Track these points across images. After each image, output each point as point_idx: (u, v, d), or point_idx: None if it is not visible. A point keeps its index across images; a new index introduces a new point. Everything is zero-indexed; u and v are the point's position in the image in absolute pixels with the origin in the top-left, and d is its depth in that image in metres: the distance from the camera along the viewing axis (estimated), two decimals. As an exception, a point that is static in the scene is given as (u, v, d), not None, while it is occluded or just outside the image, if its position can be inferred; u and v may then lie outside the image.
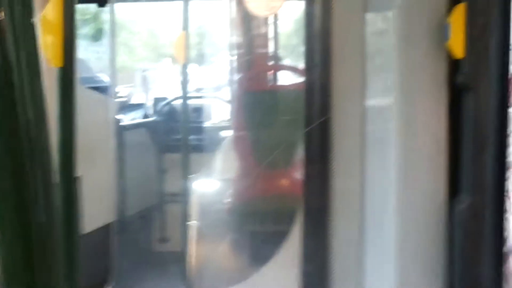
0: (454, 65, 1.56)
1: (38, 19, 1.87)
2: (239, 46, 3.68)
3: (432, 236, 1.65)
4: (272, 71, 3.79)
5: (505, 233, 1.50)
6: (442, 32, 1.58)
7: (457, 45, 1.51)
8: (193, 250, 3.09)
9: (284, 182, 3.05)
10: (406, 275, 1.68)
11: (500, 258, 1.55)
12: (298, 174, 2.83)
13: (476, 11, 1.49)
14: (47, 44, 1.88)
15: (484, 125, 1.49)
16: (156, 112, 5.18)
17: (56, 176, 0.92)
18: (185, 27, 3.62)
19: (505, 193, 1.51)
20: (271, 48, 3.71)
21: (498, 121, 1.49)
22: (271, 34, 3.67)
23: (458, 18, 1.51)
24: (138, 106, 5.63)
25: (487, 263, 1.54)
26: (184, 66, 3.86)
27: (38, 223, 0.81)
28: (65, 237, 1.86)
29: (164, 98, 5.28)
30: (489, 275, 1.54)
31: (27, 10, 0.84)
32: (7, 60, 0.79)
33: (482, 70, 1.48)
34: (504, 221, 1.52)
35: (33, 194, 0.82)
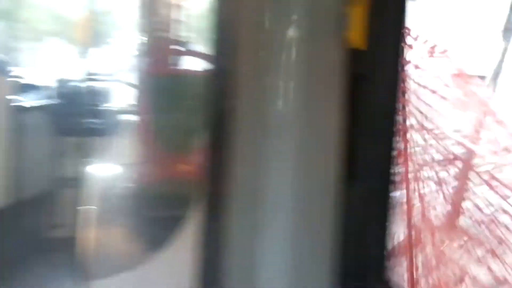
0: (353, 54, 1.61)
1: None
2: (144, 29, 3.62)
3: (328, 221, 1.70)
4: (178, 56, 3.75)
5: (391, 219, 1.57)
6: (341, 22, 1.62)
7: (356, 36, 1.55)
8: (87, 236, 3.01)
9: (184, 167, 3.04)
10: (300, 260, 1.71)
11: (387, 241, 1.62)
12: (199, 159, 2.83)
13: (374, 3, 1.54)
14: None
15: (379, 115, 1.55)
16: (56, 94, 4.99)
17: None
18: (90, 8, 3.51)
19: (394, 178, 1.57)
20: (178, 32, 3.67)
21: (392, 110, 1.55)
22: (179, 17, 3.63)
23: (357, 9, 1.56)
24: (37, 87, 5.41)
25: (377, 248, 1.61)
26: (86, 48, 3.75)
27: None
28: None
29: (66, 80, 5.10)
30: (377, 257, 1.61)
31: None
32: None
33: (380, 60, 1.54)
34: (391, 206, 1.59)
35: None
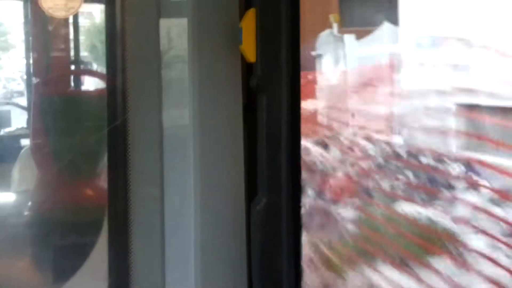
0: (248, 68, 1.61)
1: None
2: (36, 49, 3.48)
3: (233, 236, 1.68)
4: (73, 75, 3.64)
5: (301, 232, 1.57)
6: (235, 36, 1.62)
7: (249, 49, 1.55)
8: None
9: (88, 191, 2.94)
10: (208, 277, 1.69)
11: (297, 254, 1.62)
12: (102, 183, 2.74)
13: (265, 16, 1.55)
14: None
15: (277, 126, 1.55)
16: None
17: None
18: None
19: (300, 192, 1.58)
20: (71, 51, 3.55)
21: (291, 122, 1.56)
22: (71, 36, 3.52)
23: (249, 23, 1.56)
24: None
25: (285, 260, 1.60)
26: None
27: None
28: None
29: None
30: (288, 271, 1.60)
31: None
32: None
33: (273, 73, 1.54)
34: (299, 219, 1.59)
35: None
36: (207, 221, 1.66)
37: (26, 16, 3.70)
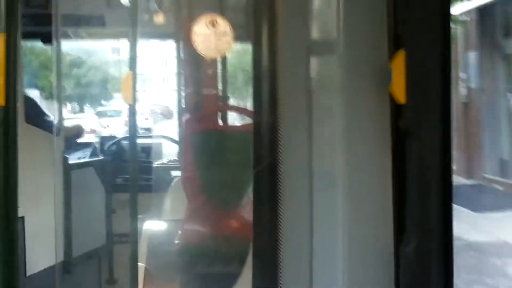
0: (397, 109, 1.60)
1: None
2: (187, 86, 3.69)
3: (381, 275, 1.67)
4: (222, 111, 3.80)
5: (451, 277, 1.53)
6: (385, 77, 1.63)
7: (399, 90, 1.55)
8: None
9: (234, 223, 3.04)
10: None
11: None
12: (248, 215, 2.83)
13: (415, 58, 1.54)
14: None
15: (427, 169, 1.53)
16: (104, 151, 5.11)
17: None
18: (133, 67, 3.61)
19: (452, 237, 1.53)
20: (219, 88, 3.73)
21: (441, 165, 1.53)
22: (219, 74, 3.70)
23: (399, 64, 1.56)
24: (86, 144, 5.55)
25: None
26: (132, 106, 3.84)
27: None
28: (5, 280, 1.80)
29: (112, 137, 5.23)
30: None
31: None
32: None
33: (423, 115, 1.53)
34: (451, 264, 1.55)
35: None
36: (355, 260, 1.67)
37: (178, 56, 3.95)
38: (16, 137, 1.87)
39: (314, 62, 1.92)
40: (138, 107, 4.02)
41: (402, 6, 1.60)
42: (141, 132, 5.09)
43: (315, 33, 1.95)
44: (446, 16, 1.59)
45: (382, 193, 1.64)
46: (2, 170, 1.82)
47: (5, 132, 1.84)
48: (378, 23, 1.68)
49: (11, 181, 1.83)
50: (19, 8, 1.83)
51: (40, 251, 3.56)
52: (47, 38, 4.15)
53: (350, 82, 1.72)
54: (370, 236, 1.67)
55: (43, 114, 4.81)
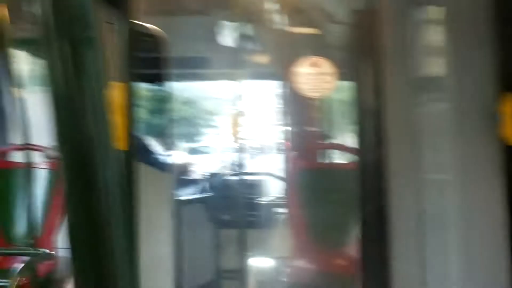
0: (509, 151, 1.56)
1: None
2: (292, 125, 3.75)
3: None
4: (324, 149, 3.82)
5: None
6: (495, 119, 1.59)
7: (509, 133, 1.51)
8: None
9: (339, 261, 3.03)
10: None
11: None
12: (352, 253, 2.81)
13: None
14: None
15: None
16: (212, 187, 5.24)
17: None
18: (240, 106, 3.74)
19: None
20: (321, 126, 3.76)
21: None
22: (321, 111, 3.73)
23: (509, 107, 1.52)
24: (195, 181, 5.72)
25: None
26: (239, 143, 3.96)
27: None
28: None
29: (220, 174, 5.36)
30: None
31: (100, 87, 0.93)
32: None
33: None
34: None
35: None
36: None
37: (284, 95, 4.03)
38: (135, 179, 1.98)
39: (420, 100, 1.91)
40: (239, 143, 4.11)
41: (510, 47, 1.56)
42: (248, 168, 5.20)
43: (421, 71, 1.94)
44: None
45: (495, 236, 1.59)
46: (127, 210, 1.93)
47: (129, 174, 1.96)
48: (486, 64, 1.65)
49: (133, 220, 1.94)
50: (136, 57, 1.95)
51: (154, 285, 3.70)
52: (158, 81, 4.37)
53: (459, 123, 1.70)
54: (485, 280, 1.62)
55: (153, 152, 5.03)
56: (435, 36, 1.91)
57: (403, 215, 1.80)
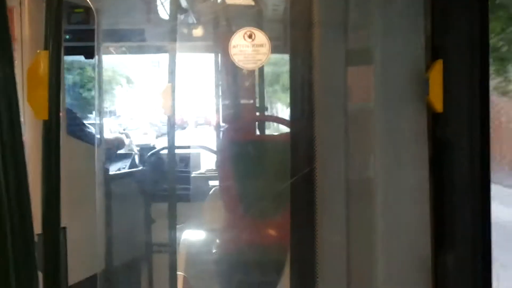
0: (435, 118, 1.60)
1: (25, 73, 1.90)
2: (225, 97, 3.74)
3: (418, 285, 1.66)
4: (259, 122, 3.83)
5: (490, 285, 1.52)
6: (422, 86, 1.63)
7: (437, 100, 1.55)
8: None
9: (272, 232, 3.06)
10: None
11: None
12: (285, 224, 2.84)
13: (453, 67, 1.54)
14: (34, 98, 1.91)
15: (465, 177, 1.52)
16: (142, 161, 5.18)
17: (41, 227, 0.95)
18: (172, 79, 3.68)
19: (490, 245, 1.52)
20: (256, 98, 3.76)
21: (480, 173, 1.52)
22: (256, 85, 3.73)
23: (436, 74, 1.56)
24: (125, 155, 5.64)
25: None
26: (171, 117, 3.91)
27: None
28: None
29: (151, 147, 5.30)
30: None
31: (7, 64, 0.88)
32: None
33: (461, 124, 1.52)
34: (489, 272, 1.53)
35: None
36: (393, 269, 1.66)
37: (216, 68, 4.00)
38: (58, 150, 1.92)
39: (351, 72, 1.92)
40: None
41: (440, 16, 1.60)
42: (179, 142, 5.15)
43: (352, 43, 1.96)
44: (484, 26, 1.58)
45: (420, 201, 1.63)
46: (46, 182, 1.87)
47: (48, 144, 1.90)
48: (415, 34, 1.68)
49: (54, 193, 1.88)
50: (62, 26, 1.89)
51: (82, 261, 3.63)
52: (89, 54, 4.25)
53: (387, 92, 1.73)
54: (408, 245, 1.67)
55: (85, 126, 4.91)
56: (366, 8, 1.93)
57: (330, 183, 1.82)
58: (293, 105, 2.06)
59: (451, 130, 1.54)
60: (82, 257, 3.54)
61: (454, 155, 1.53)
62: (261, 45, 2.84)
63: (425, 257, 1.62)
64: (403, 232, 1.65)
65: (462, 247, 1.52)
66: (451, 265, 1.53)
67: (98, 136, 4.44)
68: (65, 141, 2.01)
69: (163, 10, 4.28)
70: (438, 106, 1.55)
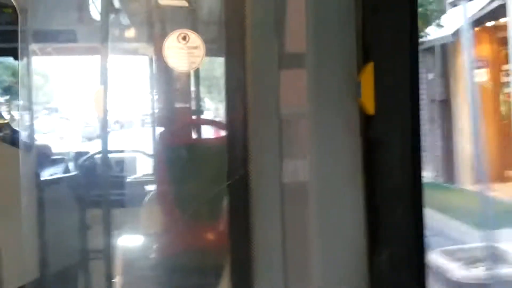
0: (367, 120, 1.63)
1: None
2: (160, 101, 3.70)
3: (354, 285, 1.69)
4: (194, 125, 3.82)
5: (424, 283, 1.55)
6: (354, 89, 1.65)
7: (368, 102, 1.58)
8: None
9: (209, 235, 3.05)
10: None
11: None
12: (223, 227, 2.84)
13: (384, 69, 1.57)
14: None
15: (397, 177, 1.56)
16: (77, 166, 5.07)
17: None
18: (104, 82, 3.61)
19: (424, 245, 1.56)
20: (192, 102, 3.74)
21: (412, 173, 1.56)
22: (191, 88, 3.71)
23: (368, 76, 1.59)
24: (58, 160, 5.50)
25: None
26: (104, 120, 3.83)
27: None
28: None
29: (85, 152, 5.19)
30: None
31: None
32: None
33: (393, 126, 1.56)
34: (423, 270, 1.57)
35: None
36: (329, 270, 1.68)
37: (151, 71, 3.95)
38: None
39: (285, 75, 1.93)
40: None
41: (370, 18, 1.63)
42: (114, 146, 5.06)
43: (285, 46, 1.97)
44: (414, 28, 1.62)
45: (354, 203, 1.66)
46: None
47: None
48: (347, 36, 1.70)
49: None
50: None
51: (16, 269, 3.51)
52: (14, 55, 4.13)
53: (320, 95, 1.74)
54: (343, 245, 1.69)
55: (12, 130, 4.76)
56: (299, 11, 1.94)
57: (264, 186, 1.83)
58: (228, 108, 2.06)
59: (383, 132, 1.57)
60: (14, 266, 3.43)
61: (387, 156, 1.57)
62: (196, 47, 2.83)
63: (361, 256, 1.65)
64: (338, 232, 1.67)
65: (396, 245, 1.55)
66: (385, 263, 1.56)
67: (26, 140, 4.31)
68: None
69: (95, 10, 4.19)
70: (370, 108, 1.58)
